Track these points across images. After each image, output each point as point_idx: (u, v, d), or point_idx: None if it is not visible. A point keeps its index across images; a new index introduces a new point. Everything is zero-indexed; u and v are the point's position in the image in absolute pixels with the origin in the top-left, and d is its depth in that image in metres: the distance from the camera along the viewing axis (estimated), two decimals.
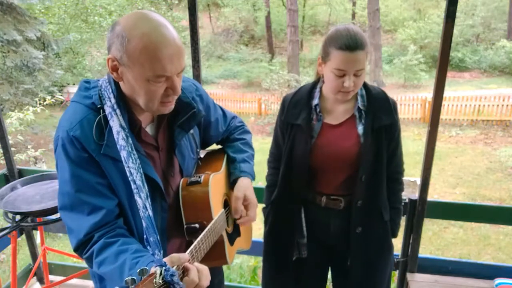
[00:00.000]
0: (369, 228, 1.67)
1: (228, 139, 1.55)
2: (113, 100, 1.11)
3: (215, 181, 1.32)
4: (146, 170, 1.14)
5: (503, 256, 5.81)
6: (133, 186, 1.08)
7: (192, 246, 1.08)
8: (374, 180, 1.61)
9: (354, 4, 21.01)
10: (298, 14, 16.58)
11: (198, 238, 1.13)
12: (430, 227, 6.42)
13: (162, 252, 1.07)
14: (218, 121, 1.47)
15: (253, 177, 1.47)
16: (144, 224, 1.07)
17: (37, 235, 3.09)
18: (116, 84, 1.13)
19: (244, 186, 1.41)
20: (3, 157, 2.64)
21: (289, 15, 15.88)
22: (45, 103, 7.83)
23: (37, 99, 9.45)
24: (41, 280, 2.75)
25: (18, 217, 2.06)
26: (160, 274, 0.88)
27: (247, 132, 1.60)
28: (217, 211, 1.29)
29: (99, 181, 1.10)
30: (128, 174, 1.08)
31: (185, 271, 0.97)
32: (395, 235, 1.78)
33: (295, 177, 1.66)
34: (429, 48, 17.31)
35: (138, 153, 1.13)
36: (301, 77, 13.92)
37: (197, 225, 1.22)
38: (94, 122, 1.09)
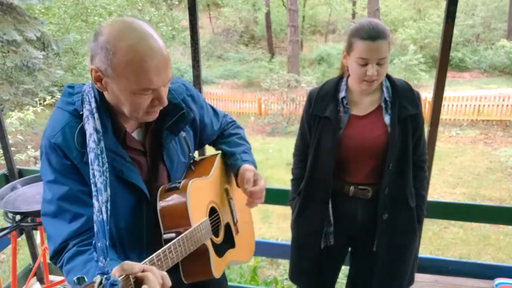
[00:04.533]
0: (395, 215, 1.72)
1: (222, 135, 1.53)
2: (93, 105, 1.08)
3: (196, 187, 1.24)
4: (130, 178, 1.12)
5: (503, 256, 5.81)
6: (93, 189, 1.02)
7: (155, 253, 1.02)
8: (401, 168, 1.68)
9: (354, 4, 21.00)
10: (298, 14, 16.60)
11: (166, 246, 1.06)
12: (430, 227, 6.42)
13: (107, 260, 0.97)
14: (212, 120, 1.45)
15: (255, 166, 1.44)
16: (95, 228, 0.99)
17: (37, 235, 3.09)
18: (99, 90, 1.10)
19: (251, 166, 1.39)
20: (3, 157, 2.64)
21: (289, 15, 15.89)
22: (45, 103, 7.83)
23: (37, 99, 9.44)
24: (41, 280, 2.75)
25: (18, 217, 2.06)
26: (100, 283, 0.82)
27: (239, 127, 1.59)
28: (198, 219, 1.21)
29: (81, 189, 1.07)
30: (91, 176, 1.03)
31: (139, 281, 0.90)
32: (420, 221, 1.83)
33: (323, 168, 1.72)
34: (429, 48, 17.30)
35: (121, 160, 1.10)
36: (301, 77, 13.91)
37: (173, 234, 1.14)
38: (76, 129, 1.06)
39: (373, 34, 1.50)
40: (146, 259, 0.99)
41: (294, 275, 1.98)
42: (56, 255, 1.07)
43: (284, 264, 5.15)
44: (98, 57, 1.02)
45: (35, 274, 2.74)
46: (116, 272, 0.88)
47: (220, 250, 1.34)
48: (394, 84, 1.68)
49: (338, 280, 2.02)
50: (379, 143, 1.65)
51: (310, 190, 1.79)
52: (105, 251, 0.97)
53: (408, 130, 1.65)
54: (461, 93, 12.54)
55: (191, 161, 1.38)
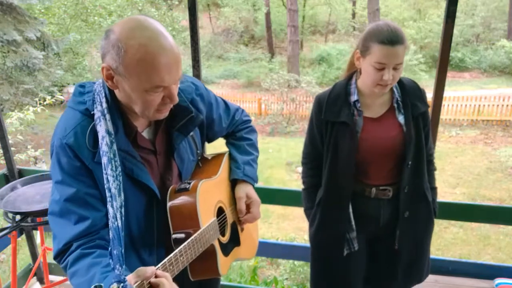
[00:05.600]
0: (415, 211, 1.74)
1: (234, 135, 1.53)
2: (104, 105, 1.08)
3: (206, 188, 1.26)
4: (141, 177, 1.13)
5: (503, 256, 5.81)
6: (107, 194, 1.03)
7: (166, 258, 1.03)
8: (418, 165, 1.70)
9: (354, 4, 20.99)
10: (298, 14, 16.60)
11: (177, 249, 1.07)
12: None
13: (123, 267, 0.98)
14: (221, 116, 1.44)
15: (255, 182, 1.47)
16: (110, 235, 1.00)
17: (37, 235, 3.09)
18: (110, 89, 1.10)
19: (245, 187, 1.41)
20: (3, 157, 2.64)
21: (289, 15, 15.89)
22: (45, 103, 7.82)
23: (37, 99, 9.44)
24: (41, 280, 2.75)
25: (18, 217, 2.06)
26: None
27: (254, 131, 1.59)
28: (206, 220, 1.22)
29: (88, 192, 1.07)
30: (104, 181, 1.04)
31: (152, 286, 0.92)
32: (436, 213, 1.85)
33: (344, 174, 1.70)
34: (429, 48, 17.30)
35: (133, 159, 1.11)
36: (301, 77, 13.92)
37: (183, 235, 1.15)
38: (88, 129, 1.07)
39: (393, 39, 1.48)
40: (159, 264, 1.00)
41: (319, 285, 1.92)
42: (59, 255, 1.07)
43: (284, 264, 5.15)
44: (109, 55, 1.02)
45: (35, 274, 2.74)
46: (131, 279, 0.90)
47: (227, 249, 1.36)
48: (402, 84, 1.69)
49: None
50: (396, 143, 1.66)
51: (331, 198, 1.76)
52: (121, 259, 0.98)
53: (420, 127, 1.68)
54: (461, 93, 12.54)
55: (199, 158, 1.39)
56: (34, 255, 2.76)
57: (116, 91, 1.09)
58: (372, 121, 1.68)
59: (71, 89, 13.73)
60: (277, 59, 18.54)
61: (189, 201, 1.19)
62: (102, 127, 1.05)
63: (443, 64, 1.86)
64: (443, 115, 11.34)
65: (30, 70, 9.95)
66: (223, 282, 2.61)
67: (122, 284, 0.84)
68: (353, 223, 1.75)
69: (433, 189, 1.82)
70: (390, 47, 1.48)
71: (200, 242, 1.17)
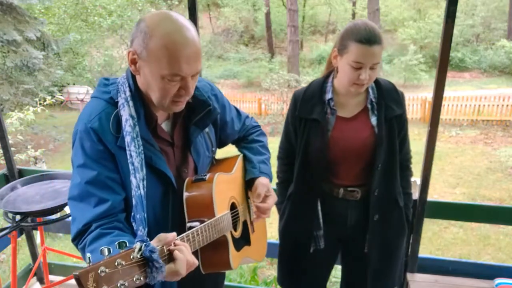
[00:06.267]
0: (386, 215, 1.72)
1: (246, 139, 1.57)
2: (128, 93, 1.14)
3: (221, 180, 1.30)
4: (158, 165, 1.17)
5: (503, 256, 5.81)
6: (130, 167, 1.10)
7: (184, 234, 1.07)
8: (389, 168, 1.68)
9: (354, 4, 20.99)
10: (298, 14, 16.59)
11: (195, 228, 1.12)
12: (430, 227, 6.42)
13: (146, 229, 1.07)
14: (234, 120, 1.49)
15: (271, 178, 1.50)
16: (134, 202, 1.08)
17: (37, 235, 3.09)
18: (134, 80, 1.16)
19: (265, 182, 1.44)
20: (3, 157, 2.64)
21: (289, 15, 15.89)
22: (45, 103, 7.84)
23: (37, 99, 9.45)
24: (41, 280, 2.75)
25: (18, 217, 2.06)
26: (140, 249, 0.86)
27: (264, 134, 1.63)
28: (221, 210, 1.27)
29: (109, 176, 1.12)
30: (128, 156, 1.10)
31: (171, 253, 0.97)
32: (409, 219, 1.84)
33: (313, 171, 1.69)
34: (429, 48, 17.30)
35: (151, 147, 1.16)
36: (301, 77, 13.91)
37: (197, 223, 1.18)
38: (112, 115, 1.13)
39: (371, 39, 1.47)
40: (178, 237, 1.03)
41: (283, 280, 1.95)
42: (78, 237, 1.10)
43: None
44: (136, 40, 1.08)
45: (35, 274, 2.74)
46: (153, 243, 0.94)
47: (238, 244, 1.38)
48: (379, 85, 1.67)
49: (335, 280, 2.02)
50: (367, 144, 1.64)
51: (300, 193, 1.77)
52: (144, 222, 1.07)
53: (394, 130, 1.65)
54: (461, 93, 12.54)
55: (214, 156, 1.44)
56: (34, 255, 2.76)
57: (138, 78, 1.15)
58: (345, 121, 1.66)
59: (71, 89, 13.75)
60: (277, 59, 18.54)
61: (206, 191, 1.23)
62: (126, 111, 1.12)
63: (443, 64, 1.85)
64: (443, 115, 11.34)
65: (30, 70, 9.95)
66: None
67: (145, 243, 0.87)
68: (321, 221, 1.75)
69: (407, 195, 1.80)
70: (368, 46, 1.47)
71: (214, 228, 1.21)
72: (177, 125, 1.27)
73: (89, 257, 0.80)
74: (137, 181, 1.09)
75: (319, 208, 1.74)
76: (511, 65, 16.09)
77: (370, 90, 1.66)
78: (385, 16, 19.52)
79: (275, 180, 1.89)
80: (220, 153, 1.51)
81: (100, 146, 1.11)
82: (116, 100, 1.14)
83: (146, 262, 0.87)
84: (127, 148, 1.10)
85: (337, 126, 1.65)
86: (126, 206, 1.16)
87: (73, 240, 1.12)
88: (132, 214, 1.08)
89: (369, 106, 1.66)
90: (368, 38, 1.47)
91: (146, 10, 14.06)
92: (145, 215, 1.08)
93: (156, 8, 14.81)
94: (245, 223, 1.47)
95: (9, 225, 2.03)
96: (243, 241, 1.43)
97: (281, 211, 1.87)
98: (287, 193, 1.82)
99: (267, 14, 19.75)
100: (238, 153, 1.57)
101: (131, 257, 0.84)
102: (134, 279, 0.84)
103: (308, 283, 1.89)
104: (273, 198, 1.44)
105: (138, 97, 1.16)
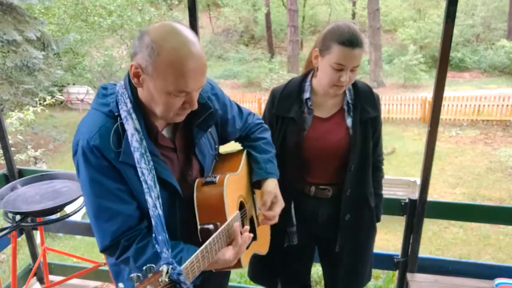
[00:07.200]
0: (357, 215, 1.75)
1: (249, 138, 1.56)
2: (129, 105, 1.13)
3: (231, 181, 1.30)
4: (164, 175, 1.17)
5: (503, 256, 5.81)
6: (144, 186, 1.10)
7: (203, 246, 1.08)
8: (362, 169, 1.70)
9: (354, 4, 20.99)
10: (298, 14, 16.58)
11: (210, 238, 1.12)
12: (430, 227, 6.42)
13: (170, 251, 1.09)
14: (235, 118, 1.49)
15: (277, 176, 1.50)
16: (153, 223, 1.09)
17: (37, 235, 3.09)
18: (133, 90, 1.15)
19: (274, 185, 1.44)
20: (3, 157, 2.64)
21: (289, 15, 15.88)
22: (45, 103, 7.82)
23: (37, 99, 9.44)
24: (41, 280, 2.75)
25: (18, 217, 2.06)
26: (167, 272, 0.88)
27: (267, 130, 1.62)
28: (232, 212, 1.27)
29: (119, 187, 1.13)
30: (140, 174, 1.10)
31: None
32: (379, 219, 1.88)
33: (288, 168, 1.68)
34: (429, 48, 17.30)
35: (155, 158, 1.16)
36: None
37: (211, 226, 1.19)
38: (112, 130, 1.12)
39: (353, 41, 1.47)
40: (198, 250, 1.06)
41: (255, 275, 1.98)
42: (107, 251, 1.17)
43: None
44: (140, 55, 1.06)
45: (35, 274, 2.74)
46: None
47: None
48: (356, 87, 1.68)
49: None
50: (341, 145, 1.66)
51: None
52: (167, 244, 1.08)
53: (368, 132, 1.67)
54: (461, 93, 12.54)
55: (217, 152, 1.44)
56: (34, 255, 2.76)
57: (140, 90, 1.14)
58: (321, 121, 1.68)
59: (71, 89, 13.75)
60: (277, 59, 18.53)
61: (217, 194, 1.24)
62: (130, 125, 1.11)
63: (443, 64, 1.85)
64: (443, 115, 11.34)
65: (30, 70, 9.95)
66: None
67: (171, 266, 0.89)
68: (293, 218, 1.77)
69: (378, 196, 1.83)
70: (351, 49, 1.48)
71: (227, 233, 1.21)
72: (178, 129, 1.26)
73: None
74: (153, 201, 1.10)
75: (292, 205, 1.76)
76: (511, 65, 16.09)
77: (347, 92, 1.67)
78: (385, 16, 19.51)
79: None
80: (222, 149, 1.51)
81: (104, 161, 1.11)
82: (116, 114, 1.13)
83: (174, 285, 0.89)
84: (137, 165, 1.10)
85: (313, 126, 1.66)
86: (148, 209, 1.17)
87: (102, 251, 1.18)
88: (154, 235, 1.09)
89: (345, 107, 1.67)
90: (351, 40, 1.47)
91: (146, 10, 14.05)
92: (167, 236, 1.09)
93: (156, 8, 14.79)
94: (251, 219, 1.49)
95: (9, 225, 2.03)
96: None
97: None
98: None
99: (267, 14, 19.74)
100: (241, 147, 1.56)
101: (160, 280, 0.86)
102: None
103: (284, 279, 1.92)
104: (280, 204, 1.44)
105: (138, 108, 1.15)
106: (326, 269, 1.99)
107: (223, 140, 1.50)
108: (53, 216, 2.11)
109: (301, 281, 1.99)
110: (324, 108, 1.68)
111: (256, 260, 1.90)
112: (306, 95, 1.67)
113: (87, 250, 5.86)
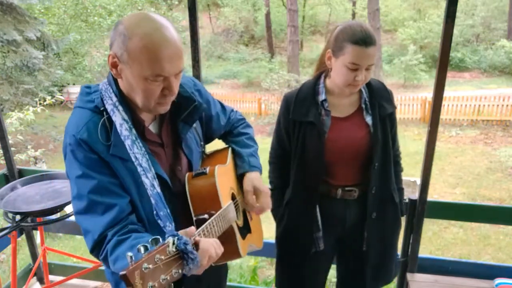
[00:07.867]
0: (383, 212, 1.75)
1: (232, 133, 1.56)
2: (114, 99, 1.13)
3: (221, 172, 1.32)
4: (154, 169, 1.16)
5: (503, 256, 5.81)
6: (139, 169, 1.11)
7: (201, 227, 1.08)
8: (385, 166, 1.70)
9: (354, 4, 20.99)
10: (298, 14, 16.57)
11: (209, 220, 1.13)
12: (430, 227, 6.42)
13: (173, 224, 1.09)
14: (219, 115, 1.49)
15: (261, 171, 1.50)
16: (153, 201, 1.11)
17: (37, 235, 3.09)
18: (117, 85, 1.15)
19: (252, 178, 1.44)
20: (3, 157, 2.64)
21: (289, 15, 15.87)
22: (45, 103, 7.82)
23: (37, 99, 9.44)
24: (41, 280, 2.75)
25: (18, 217, 2.06)
26: (173, 243, 0.88)
27: (249, 126, 1.62)
28: (225, 201, 1.28)
29: (111, 180, 1.12)
30: (133, 159, 1.11)
31: (196, 244, 0.99)
32: (403, 214, 1.87)
33: (311, 174, 1.69)
34: (429, 48, 17.30)
35: (144, 149, 1.15)
36: (301, 77, 13.91)
37: (206, 216, 1.20)
38: (99, 124, 1.11)
39: (367, 40, 1.48)
40: (196, 232, 1.04)
41: (282, 284, 1.93)
42: (96, 248, 1.11)
43: None
44: (116, 43, 1.07)
45: (35, 274, 2.74)
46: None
47: (242, 233, 1.41)
48: (370, 85, 1.68)
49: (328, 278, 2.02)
50: (364, 144, 1.65)
51: (299, 198, 1.75)
52: (169, 217, 1.10)
53: (387, 128, 1.68)
54: (461, 93, 12.54)
55: (203, 150, 1.45)
56: (34, 255, 2.76)
57: (120, 82, 1.14)
58: (340, 121, 1.67)
59: (71, 89, 13.74)
60: (277, 59, 18.54)
61: (209, 183, 1.25)
62: (118, 117, 1.11)
63: (443, 64, 1.85)
64: (443, 115, 11.34)
65: (30, 70, 9.95)
66: None
67: (177, 237, 0.90)
68: (319, 222, 1.75)
69: (400, 190, 1.84)
70: (365, 48, 1.48)
71: (224, 219, 1.22)
72: (164, 124, 1.26)
73: (130, 256, 0.81)
74: (150, 181, 1.11)
75: (318, 210, 1.74)
76: (511, 65, 16.10)
77: (362, 90, 1.68)
78: (385, 16, 19.52)
79: (267, 179, 1.88)
80: (208, 148, 1.51)
81: (93, 155, 1.10)
82: (101, 109, 1.13)
83: (182, 255, 0.90)
84: (129, 151, 1.10)
85: (332, 127, 1.65)
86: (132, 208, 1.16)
87: (91, 252, 1.13)
88: (155, 212, 1.11)
89: (363, 106, 1.67)
90: (364, 39, 1.48)
91: (146, 10, 14.07)
92: (168, 211, 1.10)
93: (156, 8, 14.82)
94: (243, 211, 1.50)
95: (9, 225, 2.03)
96: (245, 229, 1.46)
97: (279, 217, 1.85)
98: (285, 199, 1.81)
99: (267, 14, 19.75)
100: (226, 145, 1.57)
101: (167, 251, 0.86)
102: (173, 272, 0.87)
103: (309, 285, 1.89)
104: (264, 193, 1.43)
105: (124, 102, 1.15)
106: (349, 269, 1.93)
107: (208, 139, 1.51)
108: (53, 216, 2.11)
109: (320, 286, 1.96)
110: (341, 108, 1.68)
111: (283, 270, 1.91)
112: (322, 97, 1.66)
113: (87, 250, 5.82)
